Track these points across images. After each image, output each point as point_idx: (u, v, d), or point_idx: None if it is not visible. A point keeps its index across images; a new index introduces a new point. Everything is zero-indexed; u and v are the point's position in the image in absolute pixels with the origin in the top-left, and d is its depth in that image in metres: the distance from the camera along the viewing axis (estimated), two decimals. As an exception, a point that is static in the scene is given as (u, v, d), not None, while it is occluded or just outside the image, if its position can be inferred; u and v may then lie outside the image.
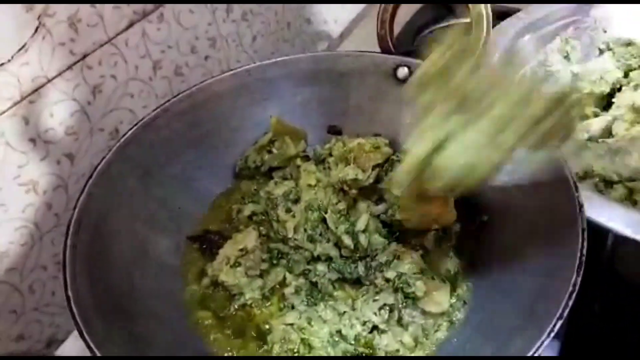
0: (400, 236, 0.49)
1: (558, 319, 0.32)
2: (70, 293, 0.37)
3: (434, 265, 0.46)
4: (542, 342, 0.32)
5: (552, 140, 0.36)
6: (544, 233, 0.41)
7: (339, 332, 0.44)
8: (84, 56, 0.55)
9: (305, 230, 0.48)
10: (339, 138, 0.55)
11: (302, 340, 0.43)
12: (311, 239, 0.48)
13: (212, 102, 0.55)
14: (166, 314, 0.45)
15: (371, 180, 0.49)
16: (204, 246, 0.51)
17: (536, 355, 0.32)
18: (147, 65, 0.63)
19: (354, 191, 0.49)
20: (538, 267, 0.39)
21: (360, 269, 0.46)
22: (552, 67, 0.62)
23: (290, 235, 0.48)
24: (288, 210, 0.49)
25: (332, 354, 0.42)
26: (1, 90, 0.49)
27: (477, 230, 0.49)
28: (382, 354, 0.42)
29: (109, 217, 0.45)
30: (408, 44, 0.82)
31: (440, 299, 0.43)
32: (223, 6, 0.72)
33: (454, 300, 0.44)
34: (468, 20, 0.49)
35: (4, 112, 0.49)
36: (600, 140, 0.57)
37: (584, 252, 0.35)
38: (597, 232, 0.43)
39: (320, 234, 0.49)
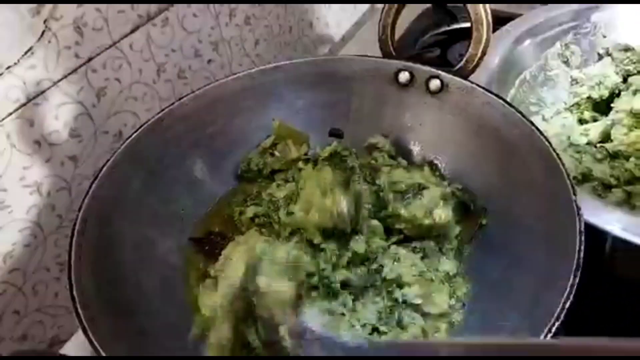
0: (400, 239, 0.49)
1: (555, 320, 0.33)
2: (75, 293, 0.37)
3: (434, 267, 0.46)
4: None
5: None
6: (542, 236, 0.42)
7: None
8: (89, 59, 0.56)
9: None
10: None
11: None
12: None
13: (215, 105, 0.55)
14: (170, 315, 0.45)
15: None
16: (207, 248, 0.51)
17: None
18: (151, 68, 0.63)
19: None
20: (536, 270, 0.40)
21: (362, 271, 0.47)
22: (551, 72, 0.62)
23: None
24: (289, 213, 0.50)
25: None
26: (7, 93, 0.49)
27: (476, 233, 0.49)
28: None
29: (114, 218, 0.46)
30: (409, 49, 0.83)
31: (439, 300, 0.43)
32: (226, 10, 0.72)
33: (453, 301, 0.44)
34: (468, 25, 0.49)
35: (9, 114, 0.50)
36: (599, 144, 0.58)
37: (582, 254, 0.36)
38: (596, 235, 0.43)
39: None
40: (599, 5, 0.64)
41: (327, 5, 0.94)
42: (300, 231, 0.48)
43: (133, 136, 0.49)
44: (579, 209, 0.38)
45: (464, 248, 0.49)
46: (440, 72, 0.52)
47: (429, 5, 0.89)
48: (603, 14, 0.64)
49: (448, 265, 0.47)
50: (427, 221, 0.48)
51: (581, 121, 0.62)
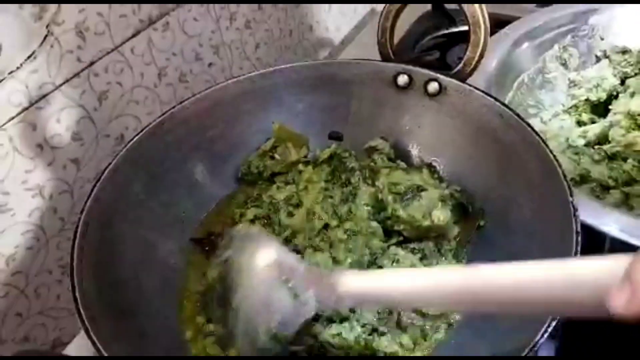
0: (400, 241, 0.49)
1: (552, 319, 0.33)
2: (77, 294, 0.37)
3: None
4: (537, 342, 0.33)
5: None
6: (539, 236, 0.42)
7: (339, 334, 0.44)
8: (91, 63, 0.56)
9: (305, 237, 0.49)
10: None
11: None
12: (313, 248, 0.49)
13: (216, 108, 0.55)
14: (171, 316, 0.46)
15: None
16: (207, 248, 0.51)
17: (530, 355, 0.32)
18: (152, 72, 0.64)
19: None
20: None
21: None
22: (549, 75, 0.63)
23: (291, 240, 0.49)
24: (290, 215, 0.50)
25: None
26: (10, 97, 0.50)
27: (474, 234, 0.49)
28: (381, 355, 0.43)
29: (115, 221, 0.46)
30: (409, 52, 0.83)
31: None
32: (227, 14, 0.73)
33: None
34: (467, 28, 0.50)
35: (12, 118, 0.50)
36: (597, 146, 0.58)
37: (579, 255, 0.36)
38: (595, 236, 0.43)
39: (322, 240, 0.49)
40: (597, 8, 0.64)
41: (326, 9, 0.94)
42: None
43: (134, 139, 0.50)
44: (575, 209, 0.38)
45: (463, 249, 0.49)
46: (438, 75, 0.52)
47: (428, 8, 0.89)
48: (601, 17, 0.64)
49: (445, 263, 0.47)
50: (425, 222, 0.48)
51: (579, 123, 0.62)
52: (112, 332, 0.38)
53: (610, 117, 0.59)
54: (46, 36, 0.51)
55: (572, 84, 0.63)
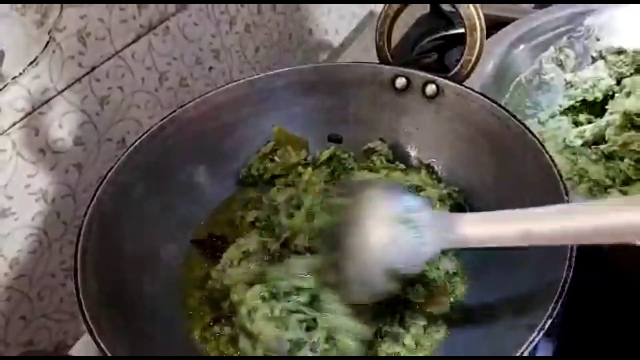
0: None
1: (548, 318, 0.33)
2: (81, 296, 0.38)
3: (435, 267, 0.47)
4: (532, 340, 0.33)
5: None
6: None
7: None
8: (92, 69, 0.57)
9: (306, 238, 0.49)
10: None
11: None
12: (312, 252, 0.49)
13: (217, 112, 0.56)
14: (173, 317, 0.46)
15: None
16: (208, 250, 0.52)
17: (525, 354, 0.33)
18: (153, 76, 0.65)
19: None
20: (530, 268, 0.40)
21: None
22: (546, 76, 0.63)
23: (291, 241, 0.49)
24: (290, 216, 0.50)
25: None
26: (13, 103, 0.50)
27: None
28: (383, 355, 0.43)
29: (118, 223, 0.47)
30: (407, 54, 0.84)
31: (442, 301, 0.43)
32: (227, 18, 0.73)
33: (452, 300, 0.45)
34: (463, 30, 0.50)
35: (15, 123, 0.51)
36: (593, 146, 0.59)
37: (574, 254, 0.37)
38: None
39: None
40: (592, 9, 0.65)
41: (325, 12, 0.95)
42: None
43: (136, 143, 0.50)
44: (571, 209, 0.39)
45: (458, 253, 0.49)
46: (436, 77, 0.53)
47: (426, 11, 0.90)
48: (596, 18, 0.64)
49: (448, 264, 0.47)
50: None
51: (576, 123, 0.63)
52: (115, 333, 0.38)
53: (606, 117, 0.60)
54: (48, 42, 0.52)
55: (569, 84, 0.64)
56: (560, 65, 0.64)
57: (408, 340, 0.43)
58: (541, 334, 0.33)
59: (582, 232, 0.34)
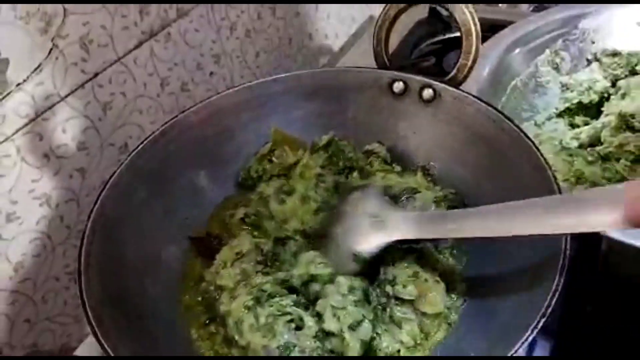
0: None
1: (542, 316, 0.34)
2: (85, 298, 0.39)
3: (430, 267, 0.47)
4: (526, 339, 0.33)
5: None
6: (530, 238, 0.43)
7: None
8: (95, 75, 0.58)
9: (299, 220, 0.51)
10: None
11: None
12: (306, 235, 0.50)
13: (217, 117, 0.56)
14: (174, 318, 0.47)
15: None
16: (204, 249, 0.52)
17: (522, 353, 0.33)
18: (155, 82, 0.65)
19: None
20: (526, 268, 0.41)
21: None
22: (542, 79, 0.64)
23: (285, 226, 0.50)
24: (282, 201, 0.51)
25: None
26: (17, 109, 0.51)
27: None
28: (382, 354, 0.43)
29: (120, 227, 0.47)
30: (406, 58, 0.85)
31: (436, 300, 0.44)
32: (227, 24, 0.74)
33: (453, 299, 0.46)
34: (458, 34, 0.51)
35: (19, 129, 0.52)
36: (590, 147, 0.59)
37: (567, 253, 0.37)
38: (591, 236, 0.44)
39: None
40: (587, 12, 0.65)
41: (325, 17, 0.96)
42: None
43: (138, 148, 0.51)
44: (565, 210, 0.39)
45: (459, 247, 0.50)
46: (432, 81, 0.53)
47: (424, 15, 0.91)
48: (591, 21, 0.65)
49: (445, 263, 0.48)
50: None
51: (572, 125, 0.63)
52: (118, 334, 0.39)
53: (602, 119, 0.60)
54: (51, 49, 0.52)
55: (565, 87, 0.64)
56: (556, 68, 0.65)
57: (405, 337, 0.43)
58: (534, 333, 0.33)
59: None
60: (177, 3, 0.65)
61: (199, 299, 0.48)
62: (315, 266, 0.46)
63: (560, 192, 0.41)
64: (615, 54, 0.64)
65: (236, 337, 0.43)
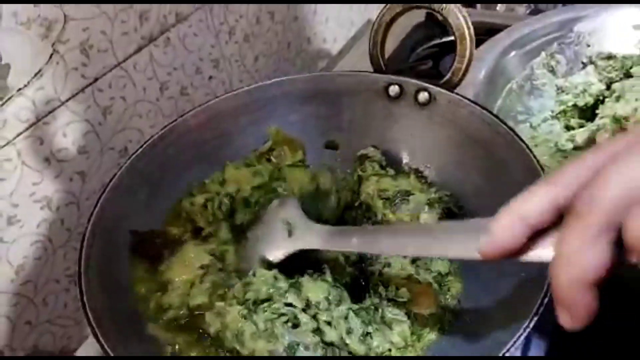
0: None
1: (534, 315, 0.34)
2: (85, 299, 0.39)
3: (426, 268, 0.48)
4: (517, 339, 0.34)
5: None
6: None
7: None
8: (95, 79, 0.58)
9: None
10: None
11: None
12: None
13: (216, 120, 0.57)
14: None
15: None
16: (143, 249, 0.50)
17: (517, 353, 0.34)
18: (154, 86, 0.66)
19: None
20: (518, 268, 0.42)
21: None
22: (538, 81, 0.65)
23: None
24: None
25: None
26: (18, 114, 0.51)
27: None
28: (373, 354, 0.44)
29: (120, 229, 0.48)
30: (403, 61, 0.85)
31: (428, 302, 0.45)
32: (226, 29, 0.75)
33: (447, 300, 0.46)
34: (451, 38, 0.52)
35: (20, 133, 0.52)
36: (585, 149, 0.60)
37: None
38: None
39: None
40: (583, 15, 0.66)
41: (323, 21, 0.96)
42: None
43: (138, 152, 0.51)
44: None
45: None
46: (428, 85, 0.54)
47: (421, 19, 0.92)
48: (586, 24, 0.66)
49: (440, 265, 0.48)
50: None
51: (568, 128, 0.64)
52: (117, 336, 0.39)
53: (597, 121, 0.61)
54: (52, 54, 0.53)
55: (560, 90, 0.65)
56: (552, 71, 0.65)
57: (395, 338, 0.44)
58: (526, 332, 0.34)
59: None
60: (179, 3, 0.66)
61: (171, 326, 0.46)
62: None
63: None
64: (610, 57, 0.64)
65: (238, 348, 0.43)
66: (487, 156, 0.50)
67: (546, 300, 0.35)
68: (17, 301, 0.55)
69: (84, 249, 0.43)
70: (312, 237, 0.46)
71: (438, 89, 0.53)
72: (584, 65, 0.66)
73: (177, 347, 0.44)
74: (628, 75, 0.64)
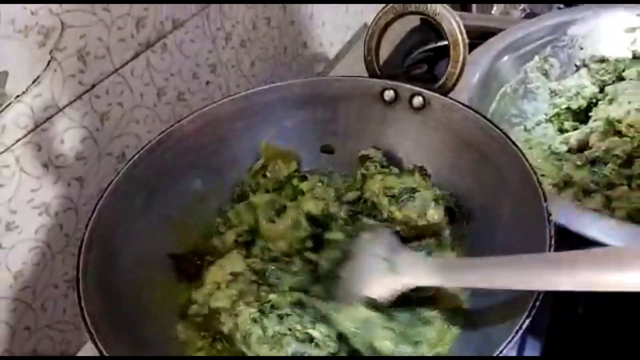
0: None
1: (527, 317, 0.35)
2: (83, 304, 0.39)
3: None
4: (512, 338, 0.34)
5: None
6: (519, 241, 0.43)
7: None
8: (93, 86, 0.58)
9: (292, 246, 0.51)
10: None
11: None
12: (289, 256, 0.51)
13: (213, 126, 0.57)
14: (171, 326, 0.47)
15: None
16: (183, 268, 0.51)
17: (513, 353, 0.34)
18: (151, 92, 0.66)
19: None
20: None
21: None
22: (531, 85, 0.65)
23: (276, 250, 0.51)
24: (271, 221, 0.51)
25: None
26: (16, 120, 0.52)
27: (464, 235, 0.51)
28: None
29: (118, 235, 0.48)
30: (399, 66, 0.86)
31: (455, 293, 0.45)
32: (222, 34, 0.75)
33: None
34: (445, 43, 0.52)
35: (18, 140, 0.52)
36: (578, 151, 0.60)
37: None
38: (578, 239, 0.45)
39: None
40: (576, 19, 0.67)
41: (320, 25, 0.97)
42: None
43: (135, 157, 0.51)
44: (549, 214, 0.40)
45: (459, 245, 0.51)
46: (422, 89, 0.54)
47: (416, 24, 0.92)
48: (579, 28, 0.66)
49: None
50: (421, 222, 0.50)
51: (561, 130, 0.64)
52: (116, 341, 0.40)
53: (590, 124, 0.61)
54: (50, 61, 0.53)
55: (553, 93, 0.65)
56: (545, 74, 0.66)
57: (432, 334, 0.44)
58: (520, 334, 0.34)
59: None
60: (182, 3, 0.66)
61: (189, 324, 0.47)
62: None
63: (545, 197, 0.41)
64: (603, 60, 0.65)
65: (245, 350, 0.43)
66: (481, 160, 0.51)
67: (538, 302, 0.35)
68: (15, 307, 0.56)
69: (81, 254, 0.43)
70: (419, 271, 0.42)
71: (432, 93, 0.54)
72: (577, 68, 0.67)
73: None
74: (621, 78, 0.64)
